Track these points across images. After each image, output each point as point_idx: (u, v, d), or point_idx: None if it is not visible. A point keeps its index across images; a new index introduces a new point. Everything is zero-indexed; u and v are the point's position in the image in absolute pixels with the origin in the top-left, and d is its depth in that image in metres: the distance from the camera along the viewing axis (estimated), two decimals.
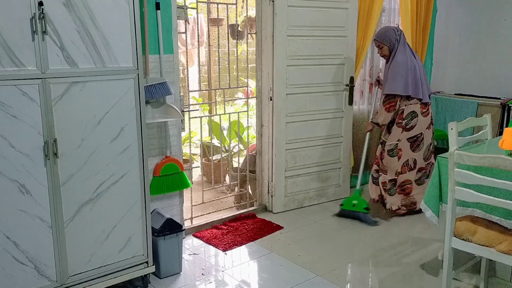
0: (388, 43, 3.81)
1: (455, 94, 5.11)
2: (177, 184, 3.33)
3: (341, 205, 3.98)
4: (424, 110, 3.81)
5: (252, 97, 4.72)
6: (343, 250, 3.42)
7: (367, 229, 3.77)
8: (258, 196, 4.18)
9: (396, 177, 3.89)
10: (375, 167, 4.03)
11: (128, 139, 2.60)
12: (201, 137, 4.20)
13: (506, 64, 4.75)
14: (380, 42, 3.85)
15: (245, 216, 3.93)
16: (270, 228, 3.74)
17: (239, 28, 4.93)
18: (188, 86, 4.48)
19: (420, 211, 3.53)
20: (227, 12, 4.07)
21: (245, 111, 4.37)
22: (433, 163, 3.88)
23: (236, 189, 4.41)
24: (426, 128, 3.85)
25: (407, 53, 3.80)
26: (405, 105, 3.78)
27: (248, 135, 4.82)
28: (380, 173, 3.96)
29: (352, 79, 4.21)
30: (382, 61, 4.74)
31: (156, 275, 3.00)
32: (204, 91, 6.31)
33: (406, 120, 3.78)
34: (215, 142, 4.88)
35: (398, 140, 3.82)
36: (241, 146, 4.74)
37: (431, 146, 3.95)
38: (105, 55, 2.45)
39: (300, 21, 3.86)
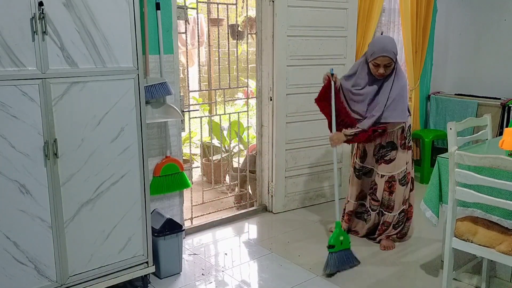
0: (395, 58, 3.14)
1: (455, 94, 5.12)
2: (177, 184, 3.33)
3: (332, 247, 3.10)
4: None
5: (252, 97, 4.72)
6: None
7: None
8: (258, 196, 4.18)
9: (404, 207, 3.40)
10: (367, 203, 3.49)
11: (128, 139, 2.60)
12: (201, 137, 4.20)
13: (506, 64, 4.75)
14: (393, 59, 3.11)
15: None
16: None
17: (239, 28, 4.93)
18: (188, 86, 4.48)
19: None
20: (227, 12, 4.07)
21: (245, 111, 4.36)
22: None
23: (236, 189, 4.40)
24: None
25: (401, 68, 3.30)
26: (404, 122, 3.28)
27: (248, 135, 4.82)
28: (382, 210, 3.41)
29: None
30: None
31: (156, 275, 3.00)
32: (204, 91, 6.31)
33: (407, 138, 3.32)
34: (215, 142, 4.87)
35: (407, 163, 3.32)
36: (241, 146, 4.74)
37: None
38: (105, 55, 2.45)
39: (300, 21, 3.86)
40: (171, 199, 3.41)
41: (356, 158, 3.50)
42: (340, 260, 3.10)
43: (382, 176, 3.33)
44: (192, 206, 3.78)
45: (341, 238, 3.12)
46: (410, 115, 3.33)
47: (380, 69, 3.12)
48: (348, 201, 3.58)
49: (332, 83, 3.23)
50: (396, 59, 3.14)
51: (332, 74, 3.24)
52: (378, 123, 3.18)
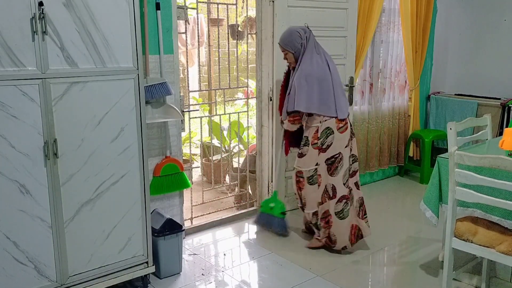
0: (292, 49, 3.22)
1: (455, 94, 5.12)
2: (177, 184, 3.33)
3: (261, 206, 3.73)
4: (341, 125, 3.18)
5: (252, 97, 4.73)
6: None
7: None
8: (258, 196, 4.18)
9: (317, 209, 3.29)
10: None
11: (128, 139, 2.60)
12: (201, 137, 4.20)
13: (506, 64, 4.75)
14: (283, 48, 3.27)
15: None
16: None
17: (239, 28, 4.93)
18: (188, 86, 4.49)
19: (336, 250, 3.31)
20: (227, 12, 4.07)
21: (245, 111, 4.37)
22: (351, 189, 3.29)
23: (236, 189, 4.41)
24: (345, 147, 3.22)
25: (314, 60, 3.19)
26: (320, 122, 3.18)
27: (248, 135, 4.83)
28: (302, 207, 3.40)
29: (352, 80, 4.20)
30: (382, 61, 4.74)
31: (156, 275, 3.00)
32: (204, 91, 6.31)
33: (321, 139, 3.18)
34: (215, 142, 4.88)
35: (317, 164, 3.22)
36: (241, 146, 4.75)
37: (350, 169, 3.27)
38: (105, 55, 2.45)
39: (300, 22, 3.84)
40: (171, 199, 3.41)
41: None
42: (264, 220, 3.65)
43: (294, 168, 3.38)
44: (192, 206, 3.78)
45: (272, 204, 3.62)
46: (325, 116, 3.18)
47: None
48: None
49: (291, 70, 3.37)
50: (295, 50, 3.22)
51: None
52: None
